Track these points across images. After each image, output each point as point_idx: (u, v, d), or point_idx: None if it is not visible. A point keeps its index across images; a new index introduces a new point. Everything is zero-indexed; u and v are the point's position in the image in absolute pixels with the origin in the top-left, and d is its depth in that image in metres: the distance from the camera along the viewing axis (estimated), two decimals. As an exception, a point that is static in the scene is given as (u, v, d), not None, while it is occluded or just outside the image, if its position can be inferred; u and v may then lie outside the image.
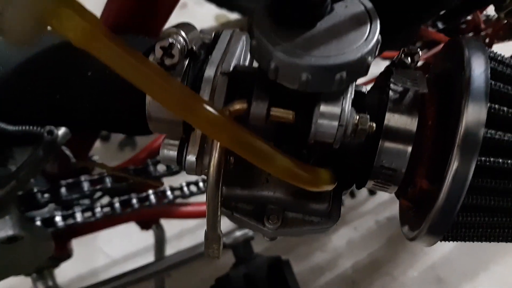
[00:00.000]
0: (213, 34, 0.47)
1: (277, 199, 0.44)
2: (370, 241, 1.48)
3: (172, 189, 0.85)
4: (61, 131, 0.60)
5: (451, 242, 0.44)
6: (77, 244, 0.89)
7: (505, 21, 0.78)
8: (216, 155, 0.37)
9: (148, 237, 1.13)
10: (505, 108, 0.38)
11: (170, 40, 0.38)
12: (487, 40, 1.16)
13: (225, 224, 0.46)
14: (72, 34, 0.30)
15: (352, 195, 1.46)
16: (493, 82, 0.38)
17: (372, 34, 0.34)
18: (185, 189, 0.87)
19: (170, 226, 1.11)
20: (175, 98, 0.32)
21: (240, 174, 0.42)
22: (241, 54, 0.45)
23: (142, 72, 0.31)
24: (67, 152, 0.63)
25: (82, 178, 0.70)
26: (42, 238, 0.64)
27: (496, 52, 0.42)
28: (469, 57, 0.39)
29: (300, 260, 1.39)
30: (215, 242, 0.43)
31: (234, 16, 1.96)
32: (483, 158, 0.37)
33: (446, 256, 1.42)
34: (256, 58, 0.35)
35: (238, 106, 0.37)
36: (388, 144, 0.40)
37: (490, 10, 1.13)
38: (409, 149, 0.39)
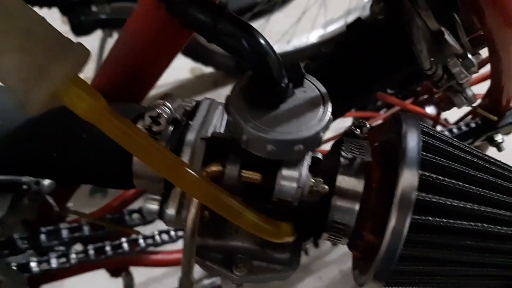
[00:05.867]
0: (193, 103, 0.54)
1: (245, 249, 0.50)
2: (334, 290, 1.53)
3: (145, 238, 0.90)
4: (47, 181, 0.65)
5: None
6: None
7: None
8: (193, 210, 0.43)
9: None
10: (434, 175, 0.46)
11: (158, 110, 0.45)
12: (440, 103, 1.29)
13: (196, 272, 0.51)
14: (80, 110, 0.36)
15: (316, 245, 1.52)
16: (424, 153, 0.46)
17: (325, 114, 0.42)
18: (157, 237, 0.91)
19: (136, 274, 1.13)
20: (162, 163, 0.38)
21: (213, 226, 0.49)
22: (217, 122, 0.52)
23: (136, 142, 0.38)
24: (51, 201, 0.67)
25: (61, 225, 0.74)
26: (19, 284, 0.67)
27: (429, 127, 0.51)
28: (405, 132, 0.47)
29: (265, 309, 1.42)
30: (189, 286, 0.49)
31: (208, 69, 2.07)
32: (416, 216, 0.44)
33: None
34: (231, 130, 0.43)
35: (214, 168, 0.44)
36: (339, 202, 0.47)
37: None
38: (357, 207, 0.47)
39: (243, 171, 0.44)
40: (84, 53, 0.36)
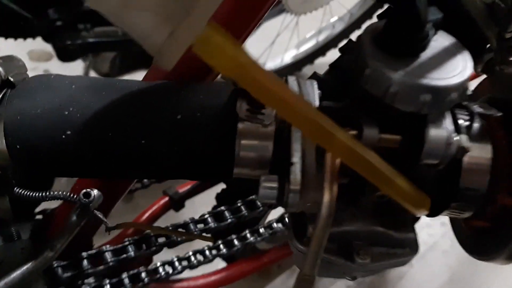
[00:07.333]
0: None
1: (365, 233, 0.44)
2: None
3: (179, 259, 0.80)
4: (96, 192, 0.56)
5: None
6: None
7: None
8: (333, 188, 0.37)
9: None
10: None
11: None
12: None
13: None
14: (220, 62, 0.30)
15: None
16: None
17: (467, 61, 0.38)
18: (192, 258, 0.82)
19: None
20: (317, 125, 0.32)
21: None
22: (311, 95, 0.47)
23: (291, 99, 0.31)
24: (100, 216, 0.57)
25: (104, 248, 0.64)
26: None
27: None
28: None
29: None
30: (310, 283, 0.42)
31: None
32: None
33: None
34: (370, 86, 0.37)
35: (351, 132, 0.38)
36: (470, 166, 0.42)
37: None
38: (489, 168, 0.42)
39: (382, 134, 0.39)
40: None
